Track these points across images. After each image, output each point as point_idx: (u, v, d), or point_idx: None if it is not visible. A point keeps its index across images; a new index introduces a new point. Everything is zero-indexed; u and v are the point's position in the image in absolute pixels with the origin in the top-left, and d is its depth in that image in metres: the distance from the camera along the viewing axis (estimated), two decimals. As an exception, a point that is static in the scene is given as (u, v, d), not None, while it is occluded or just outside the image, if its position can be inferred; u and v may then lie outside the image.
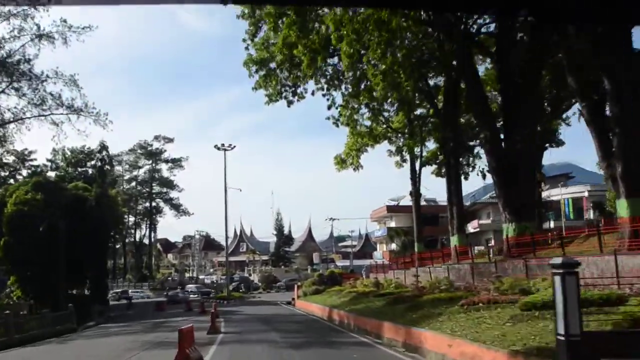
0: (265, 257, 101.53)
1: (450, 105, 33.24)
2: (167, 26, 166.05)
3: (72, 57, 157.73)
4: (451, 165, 33.50)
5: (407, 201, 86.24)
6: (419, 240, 39.96)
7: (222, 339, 18.07)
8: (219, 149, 57.39)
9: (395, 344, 16.79)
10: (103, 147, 50.99)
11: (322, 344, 16.64)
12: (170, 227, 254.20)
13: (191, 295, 63.95)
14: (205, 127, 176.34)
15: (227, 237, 59.30)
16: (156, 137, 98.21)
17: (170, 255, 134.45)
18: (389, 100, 35.72)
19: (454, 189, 33.08)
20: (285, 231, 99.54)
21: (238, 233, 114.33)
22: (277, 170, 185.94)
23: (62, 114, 42.08)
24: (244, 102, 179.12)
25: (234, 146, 57.54)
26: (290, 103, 33.61)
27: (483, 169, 36.09)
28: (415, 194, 40.37)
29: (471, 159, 37.50)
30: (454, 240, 32.70)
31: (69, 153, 61.53)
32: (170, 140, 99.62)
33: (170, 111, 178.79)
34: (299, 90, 34.32)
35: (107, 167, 53.08)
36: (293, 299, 46.32)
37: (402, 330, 16.84)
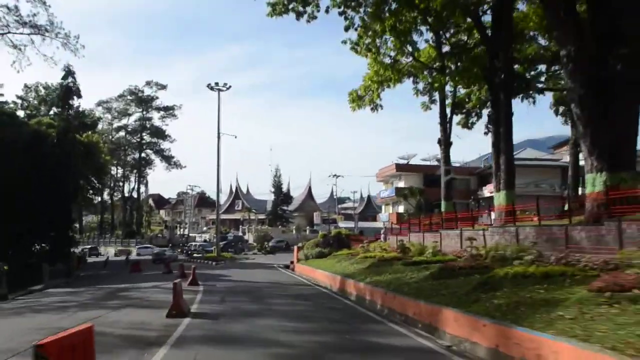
0: (261, 216, 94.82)
1: (503, 27, 25.77)
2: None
3: (67, 9, 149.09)
4: (501, 103, 26.06)
5: (418, 160, 79.25)
6: (447, 198, 32.73)
7: (185, 331, 10.87)
8: (212, 88, 49.87)
9: (473, 350, 9.85)
10: (68, 72, 42.93)
11: (358, 350, 9.52)
12: (164, 184, 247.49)
13: (195, 254, 57.70)
14: (203, 85, 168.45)
15: (218, 189, 52.19)
16: (148, 83, 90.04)
17: (162, 212, 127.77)
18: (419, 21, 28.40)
19: (503, 132, 25.71)
20: (284, 189, 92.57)
21: (233, 190, 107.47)
22: (276, 130, 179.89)
23: (23, 33, 34.92)
24: (244, 62, 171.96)
25: (229, 86, 50.03)
26: (299, 15, 25.89)
27: (560, 100, 28.48)
28: (445, 142, 33.04)
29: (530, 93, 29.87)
30: (499, 198, 25.55)
31: (43, 90, 53.84)
32: (163, 87, 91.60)
33: (169, 67, 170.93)
34: (309, 10, 26.75)
35: (75, 97, 45.20)
36: (292, 262, 39.72)
37: (489, 327, 9.81)
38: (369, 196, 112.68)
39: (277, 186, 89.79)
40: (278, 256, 54.92)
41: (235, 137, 49.06)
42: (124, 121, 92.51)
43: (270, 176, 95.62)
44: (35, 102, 52.92)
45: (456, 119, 35.36)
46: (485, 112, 35.70)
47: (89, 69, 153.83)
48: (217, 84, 49.71)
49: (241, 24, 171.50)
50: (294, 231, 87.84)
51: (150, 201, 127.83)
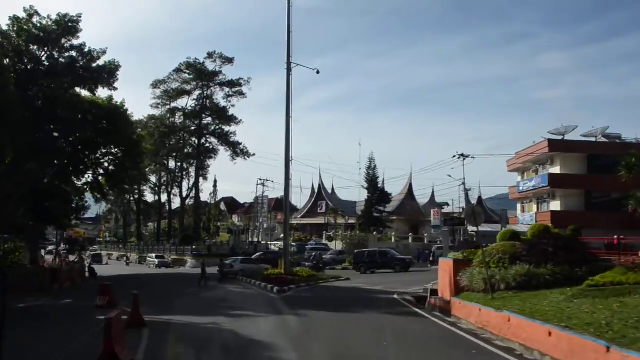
0: (351, 220, 72.97)
1: None
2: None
3: (161, 30, 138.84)
4: None
5: (576, 135, 54.32)
6: None
7: None
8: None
9: None
10: None
11: None
12: (241, 191, 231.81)
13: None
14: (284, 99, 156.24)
15: (288, 156, 29.54)
16: (210, 55, 70.13)
17: (235, 217, 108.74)
18: None
19: None
20: (380, 187, 69.91)
21: (316, 189, 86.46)
22: (358, 139, 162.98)
23: None
24: (326, 75, 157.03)
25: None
26: None
27: None
28: None
29: None
30: None
31: (36, 23, 34.79)
32: (229, 60, 71.44)
33: (254, 82, 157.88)
34: None
35: None
36: (434, 291, 17.92)
37: None
38: (480, 197, 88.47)
39: (372, 180, 67.36)
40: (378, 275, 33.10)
41: (318, 72, 30.08)
42: (180, 102, 73.21)
43: (359, 177, 73.54)
44: (14, 35, 33.81)
45: None
46: None
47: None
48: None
49: (323, 38, 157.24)
50: (392, 238, 65.54)
51: (222, 205, 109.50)
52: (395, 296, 20.42)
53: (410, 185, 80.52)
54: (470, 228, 48.01)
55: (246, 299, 20.05)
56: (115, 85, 38.20)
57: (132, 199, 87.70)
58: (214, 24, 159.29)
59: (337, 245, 60.52)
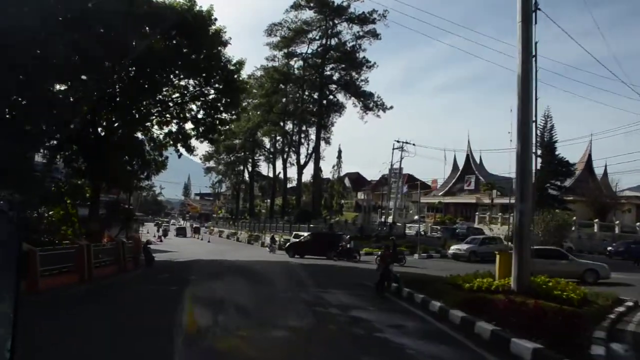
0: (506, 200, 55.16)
1: None
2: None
3: None
4: None
5: None
6: None
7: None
8: None
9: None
10: None
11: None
12: (366, 172, 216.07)
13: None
14: (412, 81, 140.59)
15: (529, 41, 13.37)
16: (334, -13, 54.57)
17: (360, 194, 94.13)
18: None
19: None
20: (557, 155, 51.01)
21: (460, 162, 68.93)
22: (509, 106, 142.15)
23: None
24: (450, 56, 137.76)
25: None
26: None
27: None
28: None
29: None
30: None
31: None
32: (359, -5, 55.37)
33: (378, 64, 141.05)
34: None
35: None
36: None
37: None
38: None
39: (548, 145, 48.79)
40: None
41: None
42: (298, 48, 58.15)
43: (509, 151, 55.16)
44: None
45: None
46: None
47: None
48: None
49: (450, 17, 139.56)
50: (572, 225, 47.01)
51: (347, 181, 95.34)
52: None
53: (589, 155, 60.28)
54: None
55: None
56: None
57: (245, 169, 76.14)
58: None
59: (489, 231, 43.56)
